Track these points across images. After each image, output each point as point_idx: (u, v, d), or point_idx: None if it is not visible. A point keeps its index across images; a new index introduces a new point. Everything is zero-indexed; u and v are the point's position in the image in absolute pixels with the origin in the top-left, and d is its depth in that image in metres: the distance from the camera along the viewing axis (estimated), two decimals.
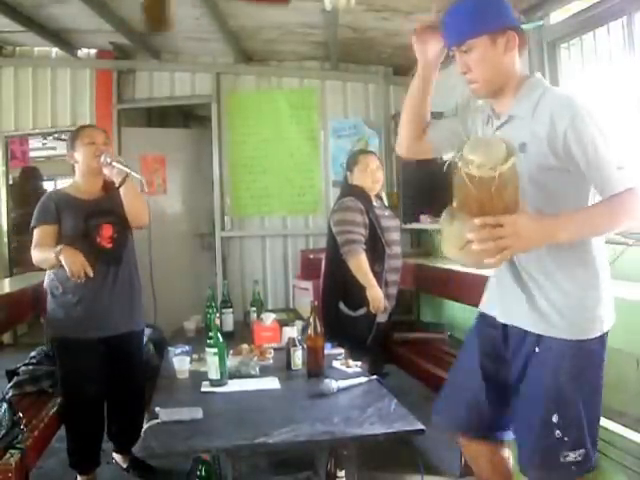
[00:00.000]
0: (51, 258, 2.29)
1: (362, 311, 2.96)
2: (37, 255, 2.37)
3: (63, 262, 2.25)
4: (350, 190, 3.08)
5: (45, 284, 2.49)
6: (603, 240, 1.54)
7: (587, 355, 1.51)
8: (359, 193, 3.02)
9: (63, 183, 8.89)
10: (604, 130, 1.41)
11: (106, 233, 2.42)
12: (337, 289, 3.04)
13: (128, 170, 2.38)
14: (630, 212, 1.37)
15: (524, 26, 1.54)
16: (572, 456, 1.51)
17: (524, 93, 1.54)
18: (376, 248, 2.94)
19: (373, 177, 3.08)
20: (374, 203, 3.06)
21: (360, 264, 2.89)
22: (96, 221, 2.39)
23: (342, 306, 3.00)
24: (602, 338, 1.52)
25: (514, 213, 1.31)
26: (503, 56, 1.51)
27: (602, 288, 1.51)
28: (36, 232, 2.40)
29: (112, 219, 2.42)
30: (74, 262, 2.25)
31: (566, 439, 1.51)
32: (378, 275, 2.95)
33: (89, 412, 2.42)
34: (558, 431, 1.51)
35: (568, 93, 1.52)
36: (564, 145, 1.42)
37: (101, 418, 2.52)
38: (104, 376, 2.45)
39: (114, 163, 2.37)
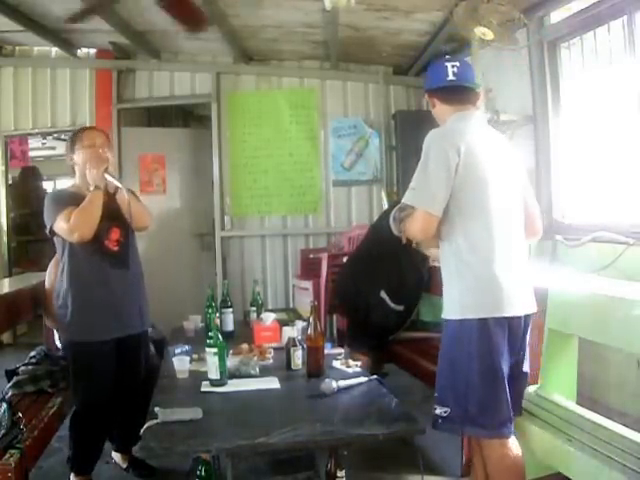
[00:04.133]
0: (94, 196, 2.28)
1: (401, 307, 3.23)
2: (77, 215, 2.25)
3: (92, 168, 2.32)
4: None
5: (55, 290, 2.45)
6: (484, 249, 1.88)
7: (448, 332, 1.92)
8: None
9: (63, 183, 8.93)
10: (424, 160, 1.89)
11: (114, 236, 2.42)
12: (380, 277, 3.24)
13: (116, 182, 2.37)
14: (409, 227, 1.94)
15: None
16: (438, 410, 1.90)
17: None
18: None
19: None
20: None
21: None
22: (105, 224, 2.36)
23: (384, 295, 3.20)
24: (460, 322, 1.87)
25: None
26: (434, 110, 2.09)
27: (464, 285, 1.88)
28: (61, 217, 2.27)
29: (119, 223, 2.41)
30: (96, 165, 2.31)
31: (435, 394, 1.95)
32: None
33: (100, 415, 2.41)
34: (435, 386, 1.97)
35: (433, 131, 1.96)
36: None
37: (109, 421, 2.51)
38: (114, 378, 2.44)
39: (106, 176, 2.35)
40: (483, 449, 1.93)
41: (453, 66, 2.03)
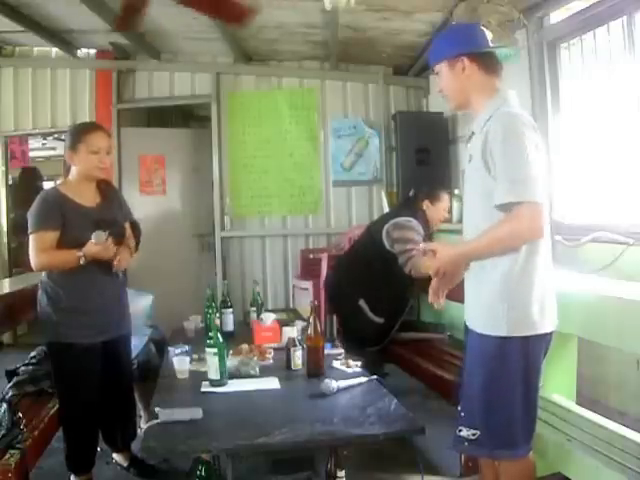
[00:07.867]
0: (73, 260, 2.24)
1: (380, 320, 3.14)
2: (48, 259, 2.27)
3: (96, 256, 2.27)
4: (420, 215, 3.23)
5: (41, 288, 2.41)
6: (531, 258, 1.64)
7: (487, 348, 1.68)
8: (424, 223, 3.20)
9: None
10: (515, 147, 1.58)
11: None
12: (362, 284, 3.16)
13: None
14: (513, 228, 1.57)
15: (499, 52, 1.75)
16: (465, 432, 1.71)
17: (483, 111, 1.71)
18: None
19: (443, 217, 3.33)
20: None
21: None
22: (102, 231, 2.32)
23: (363, 304, 3.13)
24: (505, 340, 1.64)
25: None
26: (469, 77, 1.72)
27: (511, 299, 1.64)
28: (38, 237, 2.25)
29: (114, 230, 2.39)
30: (103, 250, 2.28)
31: (462, 414, 1.75)
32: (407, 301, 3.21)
33: (89, 415, 2.42)
34: (460, 405, 1.77)
35: (510, 113, 1.65)
36: (490, 156, 1.60)
37: (98, 420, 2.52)
38: (100, 379, 2.45)
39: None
40: (500, 464, 1.78)
41: (486, 32, 1.74)
